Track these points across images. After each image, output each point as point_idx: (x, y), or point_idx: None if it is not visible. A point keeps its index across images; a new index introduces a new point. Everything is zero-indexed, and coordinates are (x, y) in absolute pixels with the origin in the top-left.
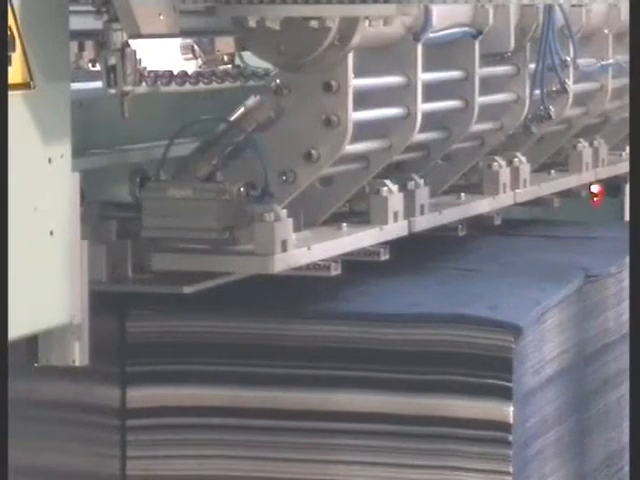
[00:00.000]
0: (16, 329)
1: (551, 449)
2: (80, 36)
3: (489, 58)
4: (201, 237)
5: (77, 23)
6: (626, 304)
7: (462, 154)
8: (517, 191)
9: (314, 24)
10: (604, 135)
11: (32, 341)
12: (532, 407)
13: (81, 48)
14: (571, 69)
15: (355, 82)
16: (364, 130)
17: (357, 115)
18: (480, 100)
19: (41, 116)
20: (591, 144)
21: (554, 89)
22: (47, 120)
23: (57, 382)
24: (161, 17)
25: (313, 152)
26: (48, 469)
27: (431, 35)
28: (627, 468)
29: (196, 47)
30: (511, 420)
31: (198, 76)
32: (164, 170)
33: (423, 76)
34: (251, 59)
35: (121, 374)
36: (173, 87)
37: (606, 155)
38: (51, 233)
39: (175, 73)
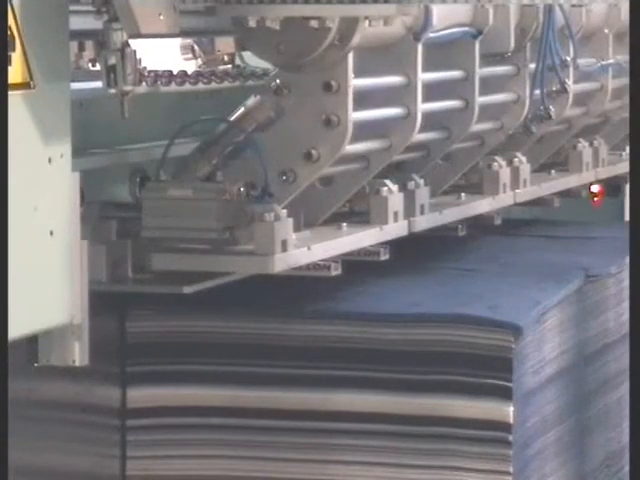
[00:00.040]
0: (16, 329)
1: (551, 449)
2: (80, 36)
3: (489, 58)
4: (201, 237)
5: (77, 23)
6: (626, 304)
7: (462, 154)
8: (517, 191)
9: (314, 24)
10: (604, 135)
11: (32, 341)
12: (532, 407)
13: (81, 48)
14: (571, 69)
15: (355, 82)
16: (364, 130)
17: (357, 115)
18: (480, 100)
19: (41, 116)
20: (591, 144)
21: (554, 89)
22: (47, 120)
23: (57, 382)
24: (161, 17)
25: (313, 152)
26: (48, 469)
27: (431, 35)
28: (627, 468)
29: (196, 47)
30: (511, 420)
31: (198, 76)
32: (164, 170)
33: (423, 76)
34: (251, 59)
35: (121, 374)
36: (173, 87)
37: (606, 155)
38: (51, 233)
39: (175, 73)
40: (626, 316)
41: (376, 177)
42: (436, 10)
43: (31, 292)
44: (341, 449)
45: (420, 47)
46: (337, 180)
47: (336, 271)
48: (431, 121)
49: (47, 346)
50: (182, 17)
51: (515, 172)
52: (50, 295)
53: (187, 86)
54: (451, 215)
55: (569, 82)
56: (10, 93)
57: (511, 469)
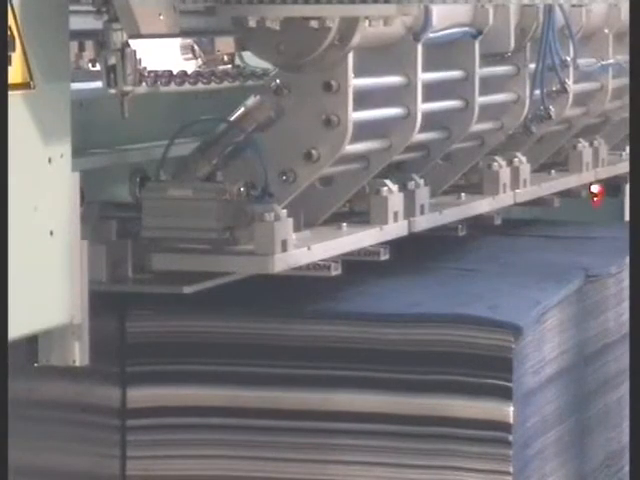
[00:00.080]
0: (16, 329)
1: (551, 449)
2: (80, 36)
3: (489, 58)
4: (201, 237)
5: (77, 23)
6: (626, 304)
7: (462, 154)
8: (517, 191)
9: (314, 24)
10: (604, 135)
11: (32, 341)
12: (532, 407)
13: (81, 48)
14: (571, 69)
15: (355, 82)
16: (364, 130)
17: (357, 115)
18: (480, 100)
19: (41, 116)
20: (591, 144)
21: (554, 89)
22: (47, 120)
23: (57, 382)
24: (161, 17)
25: (313, 152)
26: (48, 469)
27: (431, 35)
28: (627, 468)
29: (196, 47)
30: (511, 420)
31: (198, 76)
32: (164, 170)
33: (423, 76)
34: (251, 59)
35: (121, 374)
36: (173, 87)
37: (606, 155)
38: (51, 233)
39: (175, 73)
40: (626, 316)
41: (376, 177)
42: (436, 10)
43: (31, 292)
44: (341, 449)
45: (420, 47)
46: (337, 180)
47: (336, 271)
48: (431, 121)
49: (47, 346)
50: (182, 17)
51: (515, 172)
52: (50, 295)
53: (187, 86)
54: (451, 215)
55: (569, 82)
56: (10, 93)
57: (511, 469)
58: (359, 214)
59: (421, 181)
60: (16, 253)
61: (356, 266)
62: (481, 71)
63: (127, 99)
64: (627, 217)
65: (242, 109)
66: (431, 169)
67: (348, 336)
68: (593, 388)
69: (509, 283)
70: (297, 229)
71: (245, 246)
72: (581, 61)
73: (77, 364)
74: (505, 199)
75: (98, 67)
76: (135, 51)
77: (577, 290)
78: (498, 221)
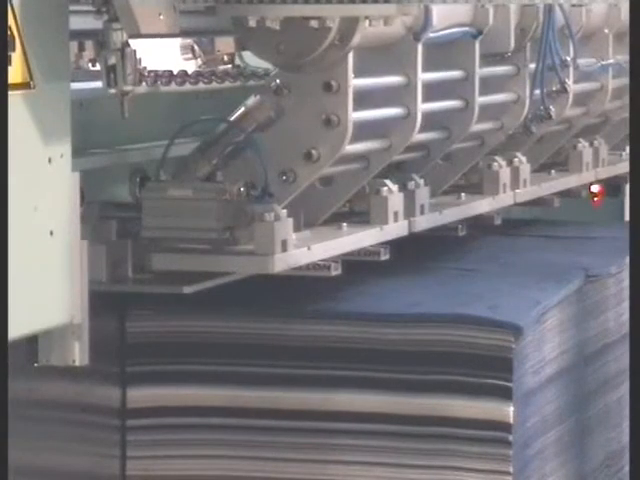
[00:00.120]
0: (16, 329)
1: (551, 449)
2: (80, 36)
3: (489, 58)
4: (201, 237)
5: (77, 23)
6: (626, 304)
7: (462, 154)
8: (517, 191)
9: (314, 24)
10: (604, 135)
11: (32, 341)
12: (532, 407)
13: (81, 48)
14: (571, 69)
15: (355, 82)
16: (364, 130)
17: (357, 115)
18: (480, 100)
19: (41, 116)
20: (591, 144)
21: (554, 89)
22: (47, 120)
23: (57, 382)
24: (161, 17)
25: (313, 152)
26: (48, 469)
27: (431, 35)
28: (627, 468)
29: (196, 47)
30: (511, 420)
31: (198, 76)
32: (164, 170)
33: (423, 76)
34: (251, 59)
35: (121, 374)
36: (173, 87)
37: (606, 155)
38: (51, 233)
39: (175, 73)
40: (626, 316)
41: (376, 177)
42: (436, 10)
43: (31, 292)
44: (341, 449)
45: (420, 47)
46: (337, 180)
47: (336, 271)
48: (431, 121)
49: (47, 346)
50: (182, 17)
51: (515, 172)
52: (50, 295)
53: (187, 86)
54: (451, 215)
55: (569, 82)
56: (10, 93)
57: (511, 469)
58: (359, 214)
59: (421, 181)
60: (16, 253)
61: (356, 266)
62: (481, 71)
63: (127, 99)
64: (627, 217)
65: (242, 109)
66: (431, 169)
67: (348, 336)
68: (593, 388)
69: (509, 283)
70: (297, 229)
71: (245, 246)
72: (581, 61)
73: (77, 364)
74: (505, 199)
75: (98, 67)
76: (135, 51)
77: (577, 290)
78: (498, 221)
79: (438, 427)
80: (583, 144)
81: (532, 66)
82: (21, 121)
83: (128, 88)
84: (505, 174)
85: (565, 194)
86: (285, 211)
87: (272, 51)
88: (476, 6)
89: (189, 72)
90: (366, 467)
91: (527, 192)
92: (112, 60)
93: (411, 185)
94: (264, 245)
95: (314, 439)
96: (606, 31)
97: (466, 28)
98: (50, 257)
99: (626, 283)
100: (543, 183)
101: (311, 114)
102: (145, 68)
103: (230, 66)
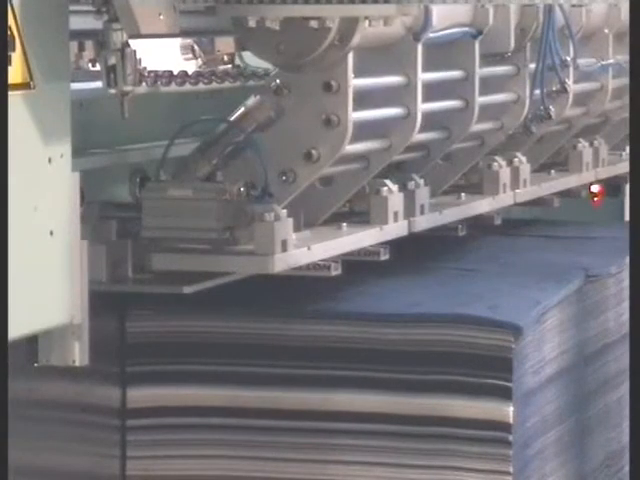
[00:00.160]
0: (16, 329)
1: (551, 449)
2: (80, 36)
3: (489, 58)
4: (201, 237)
5: (77, 23)
6: (626, 304)
7: (462, 154)
8: (517, 191)
9: (314, 24)
10: (604, 135)
11: (32, 341)
12: (532, 407)
13: (81, 48)
14: (571, 69)
15: (355, 82)
16: (364, 130)
17: (357, 115)
18: (480, 100)
19: (41, 116)
20: (591, 144)
21: (554, 89)
22: (47, 120)
23: (57, 382)
24: (161, 17)
25: (313, 152)
26: (48, 469)
27: (431, 35)
28: (627, 468)
29: (196, 47)
30: (511, 420)
31: (198, 76)
32: (164, 170)
33: (423, 76)
34: (251, 59)
35: (121, 374)
36: (173, 87)
37: (606, 155)
38: (51, 233)
39: (175, 73)
40: (626, 316)
41: (376, 177)
42: (436, 10)
43: (31, 292)
44: (341, 449)
45: (420, 47)
46: (337, 180)
47: (336, 271)
48: (431, 121)
49: (47, 346)
50: (182, 17)
51: (515, 172)
52: (50, 295)
53: (187, 86)
54: (451, 215)
55: (569, 82)
56: (10, 93)
57: (511, 469)
58: (359, 214)
59: (421, 181)
60: (16, 253)
61: (356, 266)
62: (481, 71)
63: (127, 99)
64: (627, 217)
65: (242, 109)
66: (431, 169)
67: (348, 336)
68: (593, 388)
69: (509, 283)
70: (297, 229)
71: (245, 246)
72: (581, 61)
73: (77, 364)
74: (505, 199)
75: (98, 67)
76: (135, 51)
77: (577, 290)
78: (498, 221)
79: (438, 427)
80: (583, 144)
81: (532, 66)
82: (21, 121)
83: (128, 88)
84: (505, 174)
85: (565, 194)
86: (285, 211)
87: (272, 51)
88: (476, 6)
89: (189, 72)
90: (366, 467)
91: (527, 192)
92: (112, 60)
93: (411, 185)
94: (264, 245)
95: (314, 439)
96: (606, 31)
97: (466, 28)
98: (50, 257)
99: (626, 283)
100: (543, 183)
101: (311, 114)
102: (145, 68)
103: (230, 66)
